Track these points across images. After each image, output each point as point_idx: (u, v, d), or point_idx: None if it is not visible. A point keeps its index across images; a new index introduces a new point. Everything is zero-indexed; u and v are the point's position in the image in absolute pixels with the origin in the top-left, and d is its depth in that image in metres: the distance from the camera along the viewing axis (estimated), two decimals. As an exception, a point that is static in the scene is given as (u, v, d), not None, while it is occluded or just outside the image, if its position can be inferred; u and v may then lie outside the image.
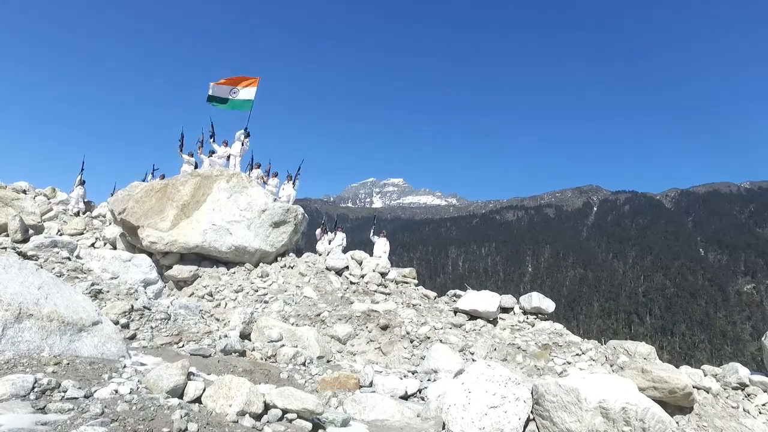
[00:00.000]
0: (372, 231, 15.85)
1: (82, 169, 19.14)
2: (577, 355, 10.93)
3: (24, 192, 18.40)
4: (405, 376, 7.33)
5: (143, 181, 17.57)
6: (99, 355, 4.86)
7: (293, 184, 15.35)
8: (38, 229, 10.85)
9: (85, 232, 15.95)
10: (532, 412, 3.85)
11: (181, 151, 16.35)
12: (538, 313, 12.97)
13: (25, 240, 8.93)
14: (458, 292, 14.54)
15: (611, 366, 10.72)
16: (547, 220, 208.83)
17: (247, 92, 15.96)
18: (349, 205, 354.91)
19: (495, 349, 11.31)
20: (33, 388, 3.52)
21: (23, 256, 7.48)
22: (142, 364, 4.98)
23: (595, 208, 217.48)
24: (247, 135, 15.77)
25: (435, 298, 14.05)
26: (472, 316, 12.45)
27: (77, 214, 17.52)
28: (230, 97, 15.99)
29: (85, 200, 18.45)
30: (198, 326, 7.53)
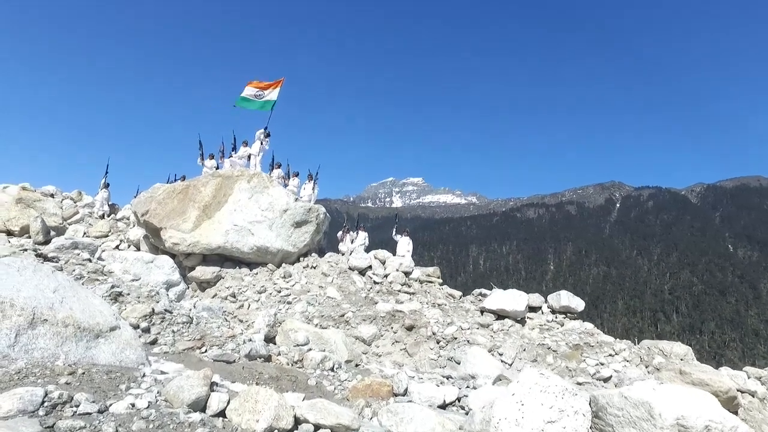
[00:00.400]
0: (394, 230, 15.50)
1: (107, 172, 19.28)
2: (610, 355, 10.45)
3: (52, 195, 18.61)
4: (441, 383, 6.89)
5: (166, 183, 17.60)
6: (117, 362, 4.56)
7: (314, 183, 15.08)
8: (60, 231, 10.77)
9: (110, 234, 16.01)
10: (591, 427, 3.41)
11: (202, 159, 16.28)
12: (567, 312, 12.51)
13: (47, 242, 8.77)
14: (484, 291, 14.12)
15: (646, 367, 10.22)
16: (569, 217, 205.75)
17: (271, 94, 16.01)
18: (369, 204, 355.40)
19: (524, 350, 10.86)
20: (43, 402, 3.14)
21: (44, 257, 7.28)
22: (163, 373, 4.65)
23: (617, 205, 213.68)
24: (267, 135, 15.60)
25: (460, 297, 13.66)
26: (500, 315, 12.04)
27: (102, 217, 17.66)
28: (256, 99, 16.10)
29: (110, 203, 18.59)
30: (221, 329, 7.19)
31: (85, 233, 16.03)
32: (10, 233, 12.40)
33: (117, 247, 15.09)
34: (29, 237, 10.01)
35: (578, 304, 12.43)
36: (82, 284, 6.72)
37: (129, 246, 14.83)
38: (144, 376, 4.29)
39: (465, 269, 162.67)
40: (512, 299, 11.93)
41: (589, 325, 11.61)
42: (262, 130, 15.69)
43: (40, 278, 4.71)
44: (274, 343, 7.96)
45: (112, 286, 7.00)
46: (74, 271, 7.43)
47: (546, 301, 12.85)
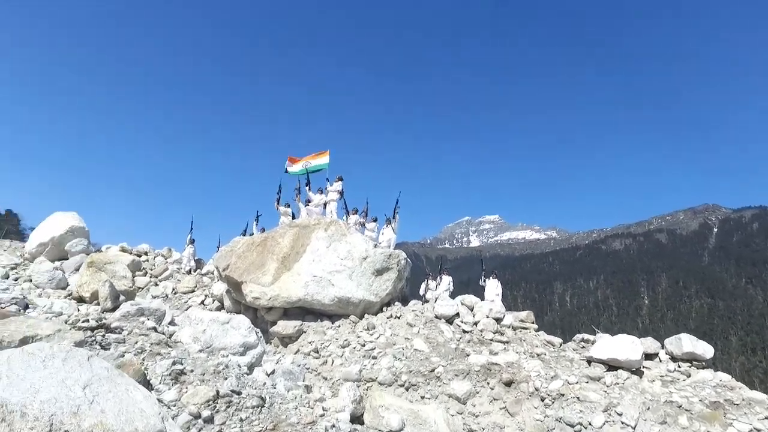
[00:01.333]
0: (482, 275, 14.45)
1: (192, 229, 20.14)
2: (767, 418, 8.60)
3: (145, 254, 19.64)
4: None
5: (244, 233, 17.95)
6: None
7: (392, 227, 14.54)
8: (130, 295, 10.67)
9: (196, 289, 16.42)
10: None
11: (278, 203, 16.41)
12: (691, 359, 10.77)
13: (115, 308, 8.53)
14: (587, 336, 12.68)
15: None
16: (660, 246, 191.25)
17: (319, 161, 16.44)
18: (447, 246, 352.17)
19: (648, 409, 9.34)
20: None
21: (106, 328, 6.90)
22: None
23: (715, 229, 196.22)
24: (340, 179, 15.44)
25: (561, 345, 12.30)
26: (611, 366, 10.53)
27: (189, 272, 18.26)
28: (304, 167, 16.48)
29: (196, 258, 19.24)
30: (299, 412, 6.18)
31: (173, 289, 16.58)
32: (81, 300, 12.36)
33: (202, 302, 15.37)
34: (98, 304, 9.84)
35: (705, 349, 10.65)
36: (142, 360, 6.28)
37: (213, 301, 15.01)
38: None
39: (551, 307, 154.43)
40: (625, 346, 10.44)
41: (724, 377, 9.82)
42: (336, 177, 15.66)
43: (70, 370, 3.96)
44: (362, 423, 7.08)
45: (174, 362, 6.15)
46: (136, 343, 6.61)
47: (663, 347, 11.19)
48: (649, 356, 11.04)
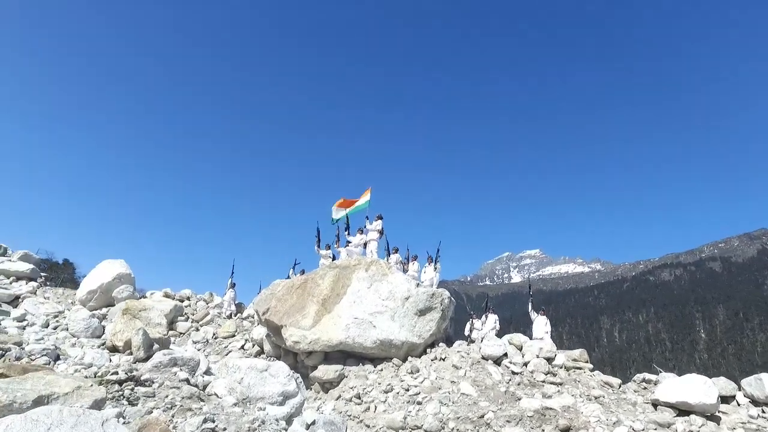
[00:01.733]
0: (530, 305, 13.80)
1: (233, 273, 20.25)
2: None
3: (187, 299, 19.84)
4: None
5: (286, 278, 17.88)
6: None
7: (435, 266, 14.14)
8: (164, 343, 10.08)
9: (236, 334, 16.33)
10: None
11: (318, 246, 16.29)
12: (774, 402, 9.70)
13: (149, 357, 8.05)
14: (648, 376, 11.81)
15: None
16: (713, 275, 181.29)
17: (361, 201, 16.35)
18: (487, 282, 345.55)
19: (730, 460, 8.39)
20: None
21: (136, 381, 6.40)
22: None
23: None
24: (380, 218, 15.25)
25: (620, 386, 11.45)
26: (681, 410, 9.64)
27: (229, 317, 18.24)
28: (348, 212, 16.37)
29: (236, 302, 19.25)
30: None
31: (214, 334, 16.53)
32: (115, 349, 11.79)
33: (242, 347, 15.21)
34: (131, 353, 9.28)
35: (790, 391, 9.63)
36: (171, 416, 5.79)
37: (253, 345, 14.83)
38: None
39: (599, 343, 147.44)
40: (696, 388, 9.54)
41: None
42: (376, 216, 15.45)
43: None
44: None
45: (205, 419, 5.63)
46: (166, 397, 6.18)
47: (740, 389, 10.20)
48: (724, 399, 10.07)
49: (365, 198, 16.29)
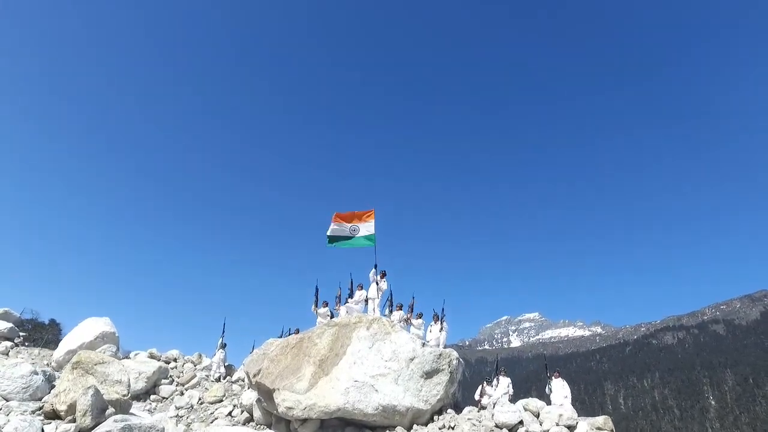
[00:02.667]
0: (547, 375, 12.70)
1: (223, 333, 19.10)
2: None
3: (174, 360, 18.63)
4: None
5: (280, 337, 16.74)
6: None
7: (441, 324, 13.11)
8: (122, 407, 7.95)
9: (224, 398, 15.05)
10: None
11: (316, 306, 15.23)
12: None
13: (97, 425, 6.38)
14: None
15: None
16: (717, 338, 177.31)
17: (366, 227, 14.94)
18: (486, 347, 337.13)
19: None
20: None
21: None
22: None
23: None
24: (383, 275, 14.31)
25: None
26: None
27: (218, 380, 17.00)
28: (351, 234, 15.00)
29: (226, 364, 18.08)
30: None
31: (199, 399, 15.23)
32: (54, 415, 9.32)
33: (230, 413, 13.91)
34: (73, 420, 7.42)
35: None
36: None
37: (242, 411, 13.55)
38: None
39: (603, 410, 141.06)
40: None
41: None
42: (375, 270, 14.48)
43: None
44: None
45: None
46: None
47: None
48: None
49: (369, 225, 14.90)
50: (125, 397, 8.96)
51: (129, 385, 10.76)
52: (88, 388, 7.14)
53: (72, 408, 8.19)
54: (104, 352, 16.61)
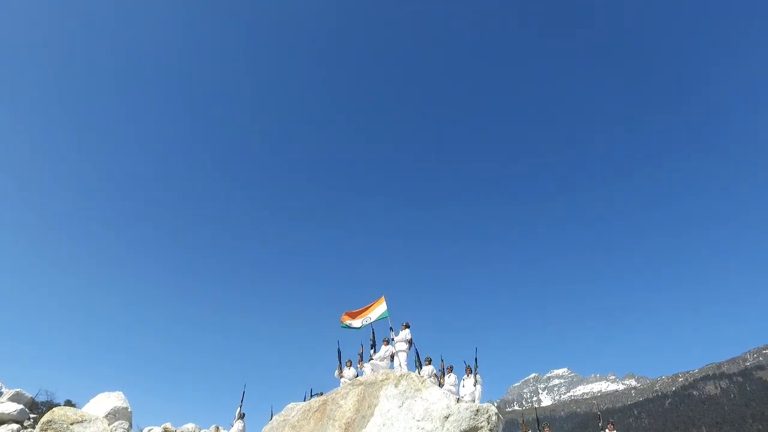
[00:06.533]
0: (600, 424, 11.46)
1: (242, 401, 18.04)
2: None
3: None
4: None
5: (303, 401, 15.64)
6: None
7: (475, 377, 12.04)
8: None
9: (243, 475, 13.81)
10: None
11: (340, 370, 14.30)
12: None
13: None
14: None
15: None
16: (765, 386, 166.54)
17: (377, 312, 14.34)
18: (515, 408, 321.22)
19: None
20: None
21: None
22: None
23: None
24: (407, 326, 13.43)
25: None
26: None
27: (236, 454, 15.71)
28: (363, 324, 14.36)
29: (245, 436, 16.82)
30: None
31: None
32: None
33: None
34: None
35: None
36: None
37: (264, 489, 12.34)
38: None
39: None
40: None
41: None
42: (402, 325, 13.62)
43: None
44: None
45: None
46: None
47: None
48: None
49: (381, 308, 14.49)
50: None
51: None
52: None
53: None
54: (116, 430, 15.69)
